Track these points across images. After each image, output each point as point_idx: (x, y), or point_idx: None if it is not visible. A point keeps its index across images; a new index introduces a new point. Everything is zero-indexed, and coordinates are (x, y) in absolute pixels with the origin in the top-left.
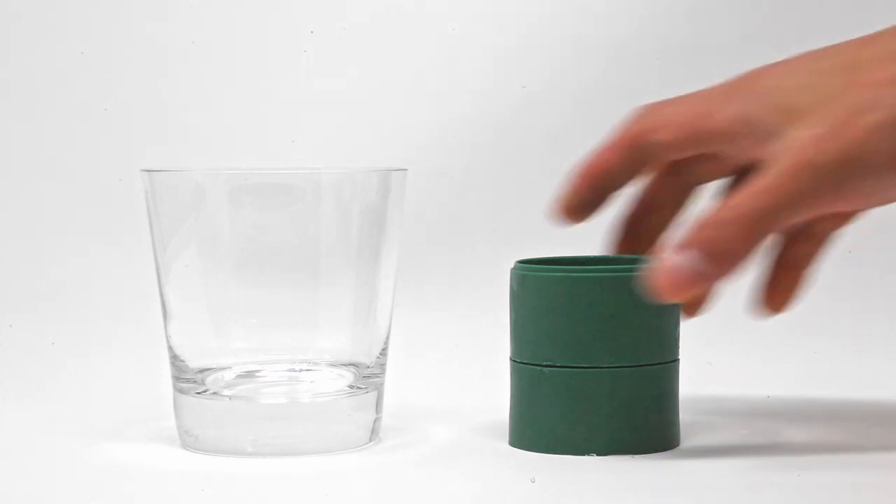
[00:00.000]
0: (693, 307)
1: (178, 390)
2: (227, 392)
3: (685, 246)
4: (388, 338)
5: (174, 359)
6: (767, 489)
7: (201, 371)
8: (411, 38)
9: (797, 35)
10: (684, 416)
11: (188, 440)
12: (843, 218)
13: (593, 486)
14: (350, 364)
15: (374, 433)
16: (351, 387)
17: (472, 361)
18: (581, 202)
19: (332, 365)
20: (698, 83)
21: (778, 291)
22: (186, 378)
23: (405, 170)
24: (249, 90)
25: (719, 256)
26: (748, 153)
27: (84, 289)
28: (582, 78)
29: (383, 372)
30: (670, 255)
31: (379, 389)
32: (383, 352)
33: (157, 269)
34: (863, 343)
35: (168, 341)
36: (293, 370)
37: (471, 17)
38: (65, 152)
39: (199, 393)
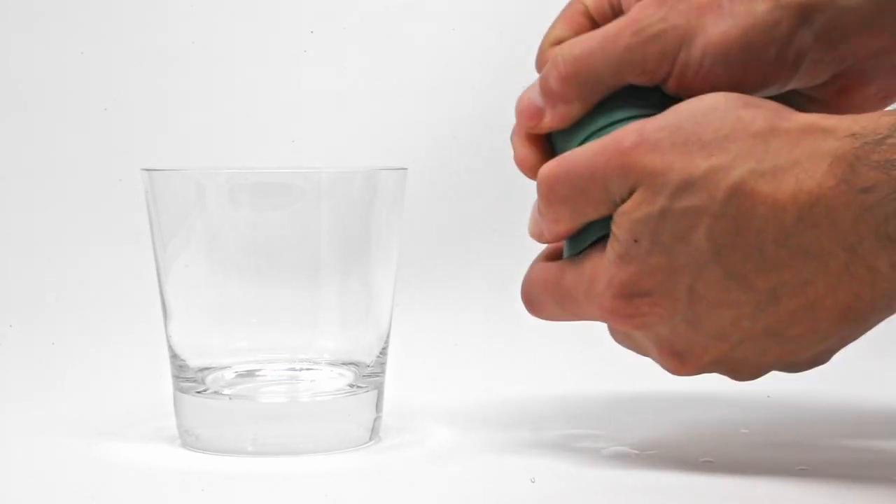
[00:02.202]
0: None
1: (179, 390)
2: (227, 391)
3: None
4: (388, 337)
5: (174, 358)
6: (768, 489)
7: (201, 370)
8: (411, 38)
9: None
10: (684, 415)
11: (188, 440)
12: None
13: (593, 486)
14: (350, 363)
15: (374, 433)
16: (351, 386)
17: (472, 361)
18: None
19: (332, 364)
20: None
21: None
22: (187, 377)
23: (405, 170)
24: (249, 90)
25: (544, 91)
26: None
27: (84, 289)
28: None
29: (383, 371)
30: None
31: (379, 389)
32: (383, 351)
33: (157, 268)
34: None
35: (168, 341)
36: (293, 369)
37: (471, 17)
38: (65, 152)
39: (199, 392)
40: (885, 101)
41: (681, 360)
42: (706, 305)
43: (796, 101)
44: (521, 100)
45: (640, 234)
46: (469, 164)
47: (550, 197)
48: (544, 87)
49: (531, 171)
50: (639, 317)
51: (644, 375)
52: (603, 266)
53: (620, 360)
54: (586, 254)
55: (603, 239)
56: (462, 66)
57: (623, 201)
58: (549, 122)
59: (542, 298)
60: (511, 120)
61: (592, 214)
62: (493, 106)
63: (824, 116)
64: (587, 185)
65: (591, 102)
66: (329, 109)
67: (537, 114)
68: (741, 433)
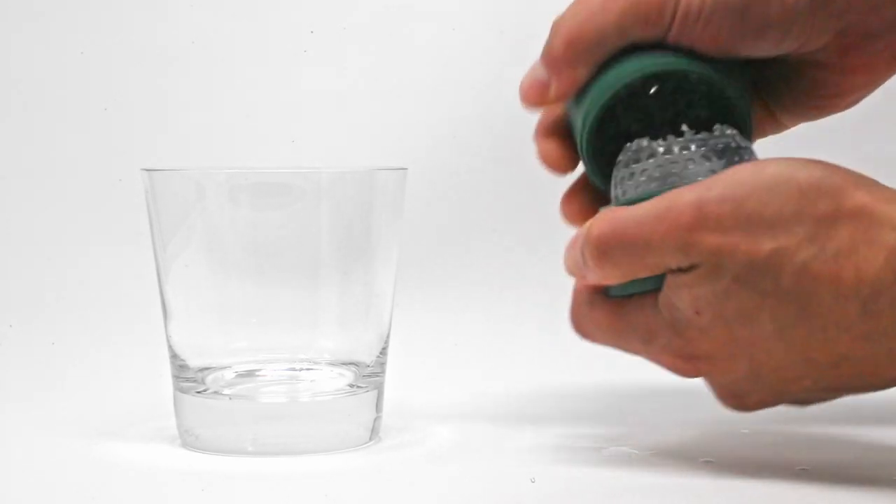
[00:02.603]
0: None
1: (179, 390)
2: (227, 391)
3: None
4: (388, 337)
5: (174, 358)
6: (768, 489)
7: (201, 370)
8: (411, 38)
9: None
10: (684, 415)
11: (188, 440)
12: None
13: (593, 486)
14: (350, 363)
15: (374, 433)
16: (351, 386)
17: (472, 361)
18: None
19: (332, 364)
20: None
21: None
22: (187, 377)
23: (405, 170)
24: (249, 90)
25: (546, 60)
26: None
27: (84, 289)
28: None
29: (383, 371)
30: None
31: (379, 389)
32: (383, 351)
33: (157, 268)
34: None
35: (168, 341)
36: (293, 369)
37: (471, 17)
38: (65, 152)
39: (199, 392)
40: (894, 60)
41: (741, 401)
42: (768, 370)
43: (801, 66)
44: (523, 81)
45: (701, 308)
46: (469, 164)
47: (602, 260)
48: (548, 56)
49: (556, 165)
50: (699, 372)
51: (644, 376)
52: (659, 324)
53: (621, 361)
54: (638, 302)
55: (654, 291)
56: (462, 66)
57: (681, 271)
58: (556, 90)
59: (595, 335)
60: (511, 120)
61: (644, 275)
62: (493, 106)
63: (879, 198)
64: (642, 253)
65: (596, 64)
66: (329, 109)
67: (543, 87)
68: (741, 433)
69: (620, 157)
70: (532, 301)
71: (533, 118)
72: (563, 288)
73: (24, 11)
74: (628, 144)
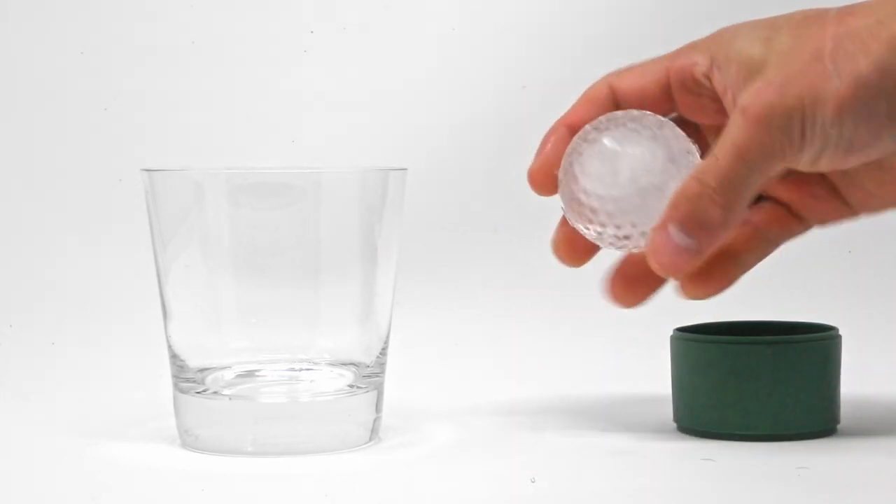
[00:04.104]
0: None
1: (179, 390)
2: (227, 392)
3: (665, 224)
4: (388, 337)
5: (174, 359)
6: (768, 489)
7: (201, 371)
8: (411, 38)
9: None
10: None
11: (188, 440)
12: (800, 223)
13: (593, 487)
14: (350, 363)
15: (374, 433)
16: (351, 386)
17: (472, 361)
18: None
19: (332, 364)
20: None
21: (707, 279)
22: (186, 378)
23: (405, 170)
24: (249, 90)
25: (700, 229)
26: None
27: (84, 289)
28: (582, 78)
29: (383, 371)
30: (653, 236)
31: (379, 389)
32: (383, 351)
33: (157, 269)
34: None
35: (168, 341)
36: (293, 370)
37: (471, 17)
38: (65, 152)
39: (199, 392)
40: None
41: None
42: None
43: None
44: (657, 250)
45: None
46: (469, 164)
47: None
48: (702, 220)
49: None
50: None
51: (644, 376)
52: None
53: (621, 361)
54: None
55: None
56: (462, 66)
57: None
58: (703, 255)
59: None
60: (511, 120)
61: None
62: (493, 106)
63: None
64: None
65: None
66: (329, 109)
67: (692, 255)
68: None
69: None
70: (532, 301)
71: (532, 119)
72: (564, 288)
73: (24, 11)
74: None
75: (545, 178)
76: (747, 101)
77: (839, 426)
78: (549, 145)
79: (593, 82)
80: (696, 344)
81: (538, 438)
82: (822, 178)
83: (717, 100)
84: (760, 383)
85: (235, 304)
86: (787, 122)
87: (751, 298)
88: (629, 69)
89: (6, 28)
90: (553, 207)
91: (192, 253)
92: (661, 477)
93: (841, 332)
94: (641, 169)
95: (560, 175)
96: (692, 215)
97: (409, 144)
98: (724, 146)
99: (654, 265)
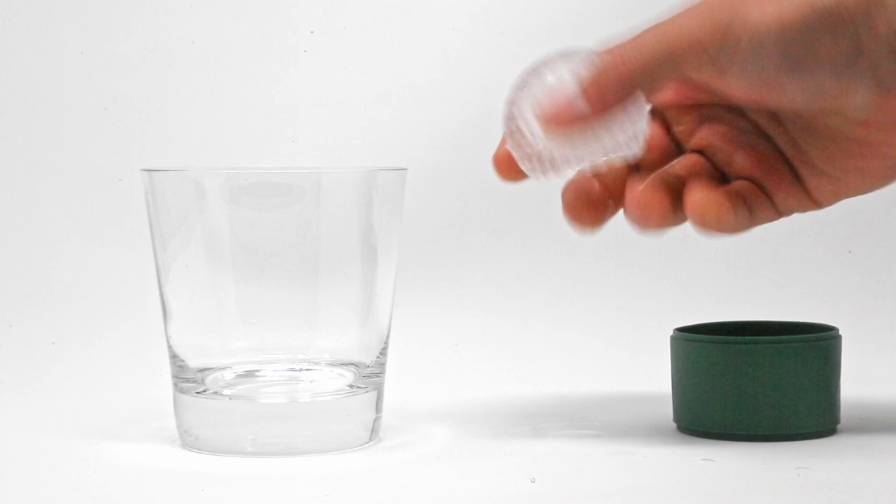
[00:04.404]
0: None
1: (179, 390)
2: (227, 392)
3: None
4: (388, 338)
5: (174, 359)
6: (768, 488)
7: (201, 371)
8: (411, 38)
9: None
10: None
11: (188, 440)
12: (771, 206)
13: (593, 486)
14: (350, 363)
15: (374, 433)
16: (351, 386)
17: (472, 361)
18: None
19: (332, 364)
20: None
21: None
22: (186, 378)
23: (405, 170)
24: (249, 90)
25: (594, 90)
26: None
27: (84, 289)
28: None
29: (383, 372)
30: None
31: (379, 389)
32: (383, 351)
33: (157, 269)
34: (862, 342)
35: (168, 341)
36: (293, 370)
37: (471, 17)
38: (65, 152)
39: (199, 393)
40: None
41: None
42: None
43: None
44: (548, 98)
45: None
46: (469, 164)
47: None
48: (592, 77)
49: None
50: None
51: (644, 376)
52: None
53: (621, 361)
54: None
55: None
56: (462, 66)
57: None
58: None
59: None
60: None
61: None
62: (493, 106)
63: None
64: None
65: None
66: (329, 109)
67: (576, 111)
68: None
69: None
70: (532, 301)
71: None
72: (564, 288)
73: (24, 11)
74: None
75: (507, 161)
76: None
77: (839, 426)
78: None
79: None
80: (696, 344)
81: (538, 438)
82: (783, 160)
83: None
84: (760, 383)
85: (235, 304)
86: (728, 20)
87: (751, 298)
88: None
89: (6, 28)
90: (553, 209)
91: (192, 253)
92: (661, 477)
93: (841, 332)
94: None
95: (506, 112)
96: (589, 73)
97: (409, 144)
98: (644, 33)
99: (541, 113)
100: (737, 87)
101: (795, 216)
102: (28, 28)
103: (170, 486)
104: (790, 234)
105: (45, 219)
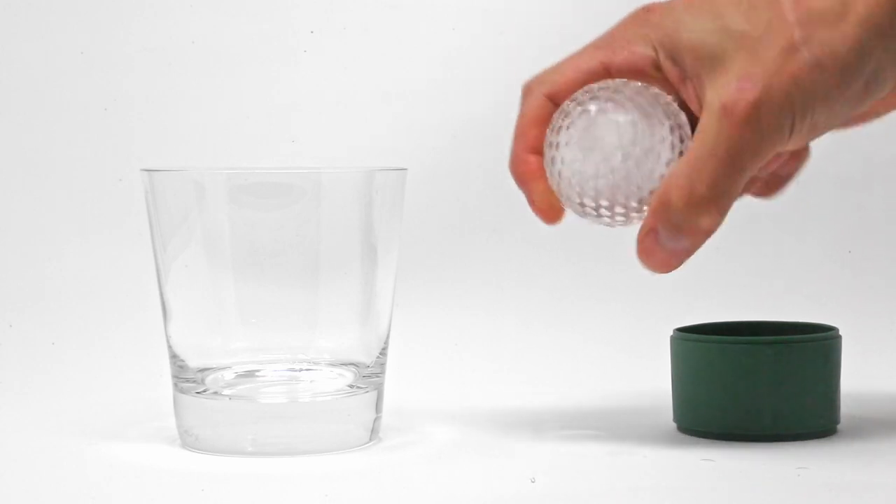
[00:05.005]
0: None
1: (179, 390)
2: (227, 392)
3: (654, 228)
4: (388, 338)
5: (174, 359)
6: (768, 488)
7: (201, 371)
8: (411, 38)
9: None
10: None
11: (188, 440)
12: (797, 159)
13: (593, 486)
14: (350, 364)
15: (374, 433)
16: (351, 386)
17: (472, 361)
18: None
19: (332, 364)
20: None
21: None
22: (186, 378)
23: (405, 170)
24: (249, 90)
25: (692, 234)
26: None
27: (84, 289)
28: None
29: (383, 372)
30: (643, 239)
31: (379, 389)
32: (383, 352)
33: (157, 268)
34: (862, 342)
35: (168, 341)
36: (293, 370)
37: (471, 17)
38: (65, 152)
39: (199, 393)
40: None
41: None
42: None
43: None
44: (647, 250)
45: None
46: (469, 164)
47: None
48: (694, 227)
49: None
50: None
51: (644, 376)
52: None
53: (621, 361)
54: None
55: None
56: (462, 66)
57: None
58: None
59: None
60: (511, 120)
61: None
62: (493, 106)
63: None
64: None
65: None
66: (329, 109)
67: (683, 256)
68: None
69: None
70: (532, 301)
71: None
72: (564, 288)
73: (25, 11)
74: None
75: (553, 208)
76: (728, 99)
77: (839, 426)
78: (530, 177)
79: (524, 97)
80: (696, 344)
81: (538, 438)
82: None
83: (666, 83)
84: (760, 383)
85: (235, 304)
86: (779, 122)
87: (751, 298)
88: (558, 72)
89: (6, 28)
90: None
91: (192, 253)
92: (661, 477)
93: (841, 332)
94: (626, 138)
95: (546, 161)
96: (686, 224)
97: (409, 144)
98: (708, 148)
99: (646, 264)
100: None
101: (795, 216)
102: (28, 28)
103: (170, 486)
104: (790, 234)
105: (45, 219)
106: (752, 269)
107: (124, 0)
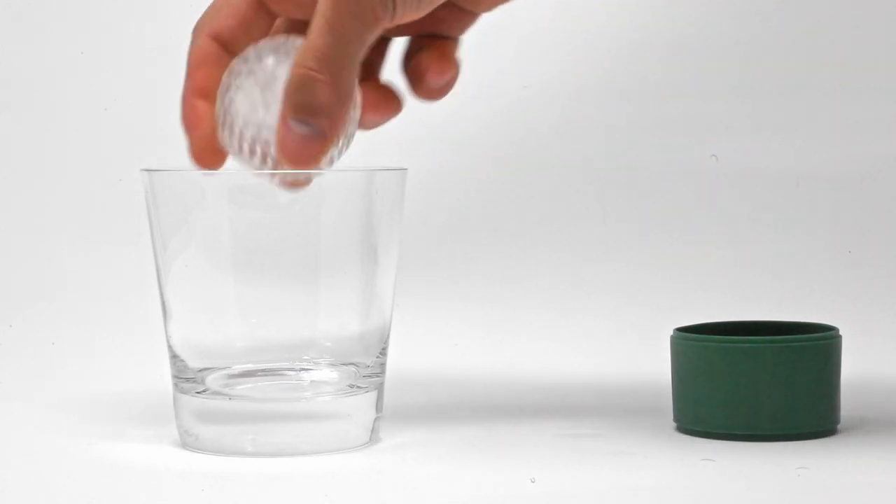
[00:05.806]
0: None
1: (179, 390)
2: (227, 392)
3: (283, 118)
4: (388, 338)
5: (174, 359)
6: (768, 488)
7: (201, 371)
8: None
9: (797, 37)
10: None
11: (188, 440)
12: (459, 19)
13: (593, 487)
14: (350, 364)
15: (374, 433)
16: (351, 386)
17: (472, 361)
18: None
19: (332, 365)
20: (698, 84)
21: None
22: (187, 378)
23: (405, 170)
24: None
25: (315, 114)
26: None
27: (84, 289)
28: (582, 78)
29: (383, 371)
30: (278, 134)
31: (379, 389)
32: (383, 351)
33: (157, 269)
34: (862, 342)
35: (168, 341)
36: (293, 370)
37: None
38: (65, 152)
39: (199, 393)
40: None
41: None
42: None
43: None
44: (283, 145)
45: None
46: (469, 164)
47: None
48: (314, 104)
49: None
50: None
51: (644, 376)
52: None
53: (621, 361)
54: None
55: None
56: (462, 66)
57: None
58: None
59: None
60: (511, 120)
61: None
62: (493, 106)
63: None
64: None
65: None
66: None
67: (318, 141)
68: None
69: None
70: (532, 301)
71: (532, 119)
72: (563, 288)
73: (25, 11)
74: None
75: (211, 154)
76: None
77: (839, 426)
78: (194, 122)
79: (192, 39)
80: (696, 344)
81: (538, 438)
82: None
83: None
84: (760, 383)
85: (236, 304)
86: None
87: (751, 298)
88: (215, 13)
89: (6, 28)
90: (554, 209)
91: (192, 253)
92: (661, 477)
93: (841, 332)
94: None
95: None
96: (303, 102)
97: (409, 144)
98: (316, 23)
99: (287, 161)
100: None
101: (796, 216)
102: (28, 28)
103: (170, 486)
104: (790, 234)
105: (44, 218)
106: (752, 269)
107: (124, 0)
